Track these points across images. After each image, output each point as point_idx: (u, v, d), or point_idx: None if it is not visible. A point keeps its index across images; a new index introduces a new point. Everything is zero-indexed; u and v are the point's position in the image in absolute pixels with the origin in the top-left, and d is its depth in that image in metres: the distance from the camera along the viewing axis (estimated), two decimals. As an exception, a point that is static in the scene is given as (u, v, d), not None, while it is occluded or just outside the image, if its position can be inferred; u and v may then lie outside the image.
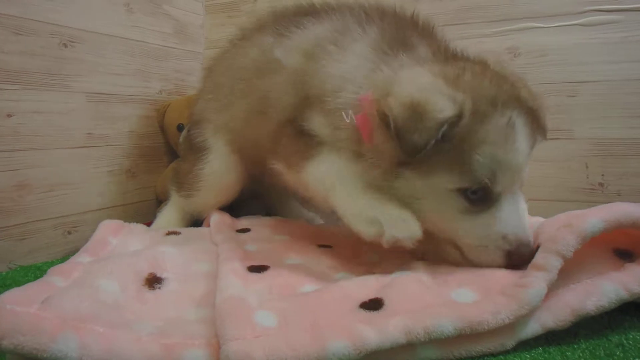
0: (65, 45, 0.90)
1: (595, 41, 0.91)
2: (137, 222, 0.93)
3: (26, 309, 0.49)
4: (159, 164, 1.12)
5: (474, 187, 0.59)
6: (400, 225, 0.61)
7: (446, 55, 0.69)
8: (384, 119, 0.60)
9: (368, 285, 0.59)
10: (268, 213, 1.06)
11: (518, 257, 0.59)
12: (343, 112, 0.67)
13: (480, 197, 0.60)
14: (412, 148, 0.57)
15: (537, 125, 0.65)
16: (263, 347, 0.47)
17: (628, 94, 0.89)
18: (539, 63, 0.95)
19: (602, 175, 0.91)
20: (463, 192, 0.60)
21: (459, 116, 0.57)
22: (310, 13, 0.82)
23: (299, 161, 0.74)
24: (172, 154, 1.14)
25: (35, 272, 0.80)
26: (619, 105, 0.90)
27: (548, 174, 0.95)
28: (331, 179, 0.69)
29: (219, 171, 0.92)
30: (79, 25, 0.92)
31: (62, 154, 0.90)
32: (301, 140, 0.73)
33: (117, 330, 0.50)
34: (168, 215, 0.97)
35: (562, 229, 0.56)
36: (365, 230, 0.63)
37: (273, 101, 0.78)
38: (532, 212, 0.87)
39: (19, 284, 0.74)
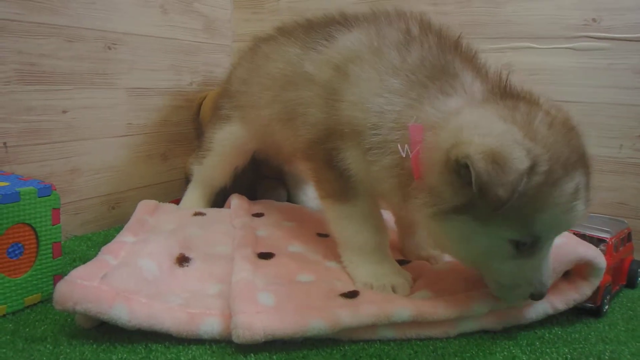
0: (109, 48, 1.04)
1: (583, 65, 0.98)
2: (168, 198, 1.11)
3: (90, 283, 0.64)
4: (188, 148, 1.26)
5: (529, 241, 0.59)
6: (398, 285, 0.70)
7: (499, 90, 0.65)
8: (456, 168, 0.57)
9: (349, 283, 0.73)
10: (289, 199, 1.21)
11: (538, 297, 0.63)
12: (399, 145, 0.65)
13: (529, 247, 0.60)
14: (498, 202, 0.54)
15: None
16: (261, 320, 0.61)
17: (608, 116, 0.97)
18: (529, 80, 1.02)
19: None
20: (515, 242, 0.59)
21: (532, 169, 0.55)
22: (343, 24, 0.80)
23: (327, 195, 0.76)
24: (201, 139, 1.29)
25: (86, 241, 0.99)
26: (598, 126, 0.98)
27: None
28: (347, 234, 0.74)
29: (229, 139, 1.03)
30: (120, 29, 1.05)
31: (107, 143, 1.06)
32: (333, 174, 0.73)
33: (154, 301, 0.65)
34: (191, 194, 1.11)
35: None
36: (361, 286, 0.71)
37: (301, 115, 0.79)
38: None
39: (74, 251, 0.92)
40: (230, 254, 0.84)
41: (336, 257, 0.87)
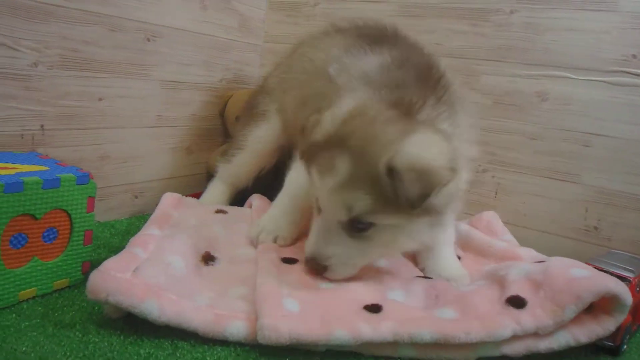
0: (148, 40, 1.04)
1: (616, 100, 0.98)
2: (189, 191, 1.13)
3: (123, 275, 0.65)
4: (213, 143, 1.27)
5: None
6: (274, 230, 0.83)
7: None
8: None
9: (372, 293, 0.73)
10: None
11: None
12: None
13: None
14: None
15: None
16: (287, 325, 0.61)
17: (636, 153, 0.98)
18: (562, 110, 1.04)
19: (599, 220, 1.02)
20: None
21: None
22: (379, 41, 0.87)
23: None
24: (226, 136, 1.30)
25: (110, 228, 1.00)
26: (626, 162, 0.98)
27: (550, 209, 1.06)
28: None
29: (264, 137, 1.06)
30: (161, 22, 1.06)
31: (136, 132, 1.07)
32: None
33: (183, 299, 0.65)
34: (214, 190, 1.13)
35: (570, 303, 0.66)
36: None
37: (311, 104, 0.87)
38: (531, 241, 1.02)
39: (98, 237, 0.93)
40: (253, 256, 0.85)
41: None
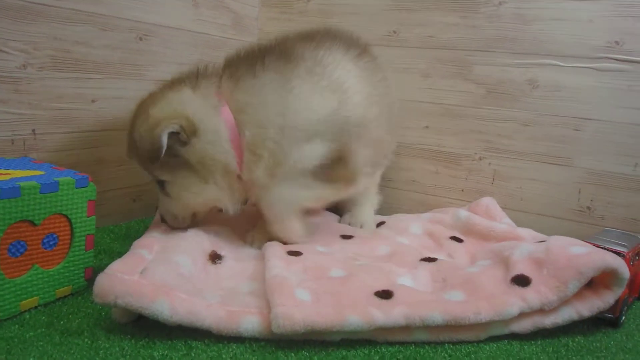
0: (140, 39, 1.03)
1: (604, 85, 1.01)
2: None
3: (131, 277, 0.64)
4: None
5: None
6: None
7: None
8: None
9: (382, 279, 0.74)
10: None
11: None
12: None
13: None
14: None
15: None
16: (301, 313, 0.62)
17: (624, 135, 1.01)
18: (552, 97, 1.06)
19: (591, 200, 1.05)
20: None
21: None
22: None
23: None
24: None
25: (109, 233, 0.98)
26: (615, 144, 1.02)
27: (545, 192, 1.09)
28: None
29: None
30: (153, 20, 1.04)
31: (131, 134, 1.05)
32: None
33: (194, 298, 0.65)
34: None
35: (572, 279, 0.69)
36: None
37: None
38: (529, 224, 1.05)
39: (98, 243, 0.91)
40: (258, 253, 0.85)
41: (364, 256, 0.89)
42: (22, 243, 0.66)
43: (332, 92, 0.85)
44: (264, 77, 0.82)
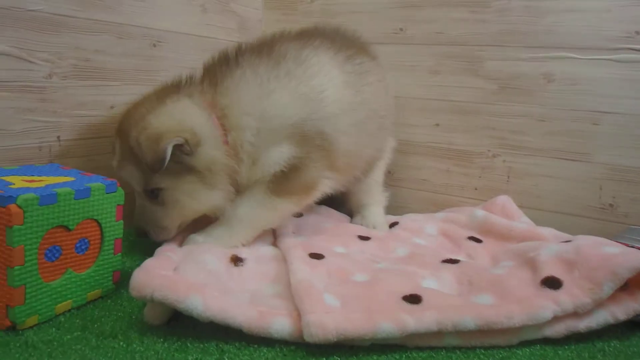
0: (154, 45, 1.04)
1: (623, 77, 1.00)
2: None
3: (167, 272, 0.66)
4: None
5: None
6: None
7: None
8: None
9: (407, 283, 0.74)
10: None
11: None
12: None
13: None
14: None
15: None
16: (332, 320, 0.61)
17: (645, 128, 0.99)
18: (569, 90, 1.05)
19: (614, 197, 1.03)
20: None
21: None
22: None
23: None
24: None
25: (127, 237, 0.97)
26: (636, 138, 1.00)
27: (564, 190, 1.08)
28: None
29: None
30: (165, 27, 1.05)
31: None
32: None
33: (225, 296, 0.65)
34: None
35: (607, 280, 0.67)
36: None
37: None
38: (546, 223, 1.03)
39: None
40: (277, 255, 0.85)
41: (382, 258, 0.89)
42: (57, 248, 0.67)
43: (308, 100, 0.85)
44: (242, 77, 0.84)
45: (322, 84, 0.86)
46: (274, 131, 0.83)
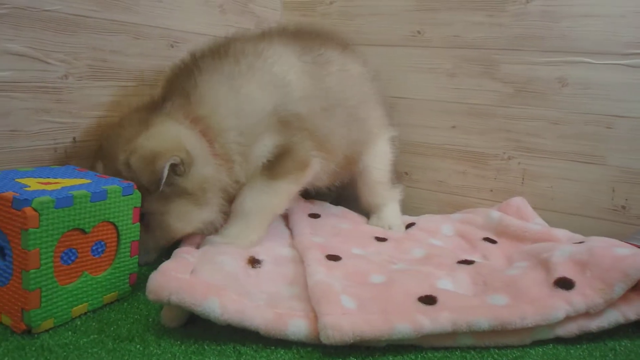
0: (172, 46, 1.04)
1: (636, 82, 1.00)
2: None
3: (183, 275, 0.66)
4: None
5: None
6: None
7: None
8: None
9: (423, 284, 0.74)
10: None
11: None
12: None
13: None
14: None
15: None
16: (349, 322, 0.62)
17: (659, 133, 1.00)
18: (583, 94, 1.05)
19: (626, 199, 1.04)
20: None
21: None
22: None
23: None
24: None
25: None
26: (649, 142, 1.01)
27: (577, 192, 1.08)
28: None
29: None
30: (183, 28, 1.06)
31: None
32: None
33: (243, 298, 0.66)
34: None
35: (618, 281, 0.68)
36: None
37: None
38: (560, 224, 1.04)
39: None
40: (294, 256, 0.86)
41: (399, 259, 0.89)
42: (73, 251, 0.67)
43: (275, 87, 0.88)
44: (210, 81, 0.84)
45: (283, 71, 0.89)
46: (255, 125, 0.85)
